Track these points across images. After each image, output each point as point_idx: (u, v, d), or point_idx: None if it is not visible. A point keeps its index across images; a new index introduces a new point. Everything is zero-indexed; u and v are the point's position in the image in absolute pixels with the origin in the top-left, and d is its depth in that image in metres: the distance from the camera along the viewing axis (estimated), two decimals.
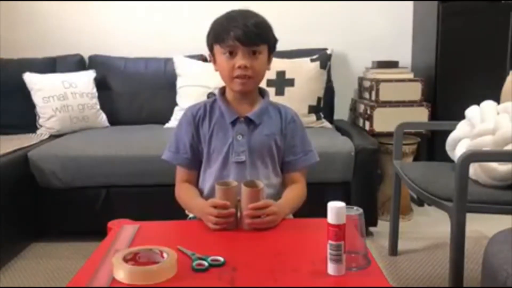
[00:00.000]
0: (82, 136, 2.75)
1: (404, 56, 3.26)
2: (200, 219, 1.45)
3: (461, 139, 2.05)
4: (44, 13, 3.28)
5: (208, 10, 3.14)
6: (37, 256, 2.36)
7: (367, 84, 3.00)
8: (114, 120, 3.03)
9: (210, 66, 1.49)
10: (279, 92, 2.79)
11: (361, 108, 3.00)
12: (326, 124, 2.91)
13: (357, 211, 1.06)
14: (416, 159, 2.84)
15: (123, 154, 2.42)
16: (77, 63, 3.14)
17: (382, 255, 2.32)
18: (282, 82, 2.81)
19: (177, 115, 2.83)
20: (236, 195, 1.28)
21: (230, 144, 1.41)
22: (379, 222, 2.54)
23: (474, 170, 1.84)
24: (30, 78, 2.88)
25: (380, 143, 2.62)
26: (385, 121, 2.77)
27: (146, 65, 3.13)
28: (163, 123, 2.92)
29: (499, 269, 1.13)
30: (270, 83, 2.76)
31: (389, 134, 2.51)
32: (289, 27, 3.13)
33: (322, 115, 2.91)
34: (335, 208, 0.99)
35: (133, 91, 3.07)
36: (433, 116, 2.85)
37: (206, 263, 1.05)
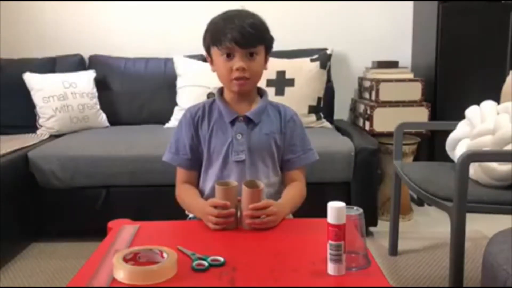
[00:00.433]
0: (82, 136, 2.75)
1: (404, 56, 3.26)
2: (200, 219, 1.45)
3: (461, 139, 2.05)
4: (44, 13, 3.28)
5: (208, 10, 3.11)
6: (37, 256, 2.36)
7: (367, 84, 3.00)
8: (114, 120, 3.03)
9: (209, 66, 1.49)
10: (279, 92, 2.79)
11: (361, 108, 3.00)
12: (326, 124, 2.91)
13: (357, 211, 1.06)
14: (416, 159, 2.84)
15: (123, 154, 2.42)
16: (77, 63, 3.14)
17: (382, 255, 2.32)
18: (282, 82, 2.81)
19: (177, 115, 2.83)
20: (236, 195, 1.28)
21: (229, 143, 1.41)
22: (379, 222, 2.54)
23: (474, 170, 1.84)
24: (30, 78, 2.88)
25: (380, 143, 2.62)
26: (385, 121, 2.77)
27: (146, 65, 3.13)
28: (163, 123, 2.92)
29: (499, 269, 1.13)
30: (270, 83, 2.76)
31: (389, 134, 2.51)
32: (289, 27, 3.14)
33: (322, 115, 2.91)
34: (335, 208, 0.99)
35: (133, 91, 3.07)
36: (433, 116, 2.85)
37: (206, 263, 1.05)
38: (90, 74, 3.01)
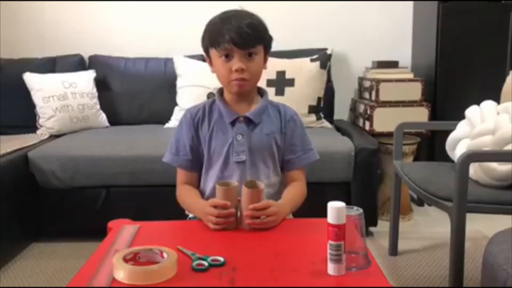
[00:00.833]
0: (82, 136, 2.75)
1: (404, 56, 3.26)
2: (201, 219, 1.45)
3: (461, 139, 2.05)
4: (44, 13, 3.28)
5: (207, 10, 3.11)
6: (37, 256, 2.36)
7: (367, 84, 3.00)
8: (114, 120, 3.03)
9: (209, 67, 1.49)
10: (279, 92, 2.79)
11: (361, 108, 3.00)
12: (326, 124, 2.91)
13: (357, 211, 1.06)
14: (416, 159, 2.84)
15: (123, 154, 2.42)
16: (77, 63, 3.14)
17: (382, 255, 2.32)
18: (282, 82, 2.81)
19: (177, 115, 2.83)
20: (236, 195, 1.28)
21: (230, 144, 1.41)
22: (379, 222, 2.54)
23: (474, 170, 1.84)
24: (30, 78, 2.88)
25: (380, 143, 2.62)
26: (385, 121, 2.77)
27: (146, 65, 3.13)
28: (163, 123, 2.92)
29: (499, 269, 1.13)
30: (270, 83, 2.76)
31: (389, 134, 2.51)
32: (289, 27, 3.14)
33: (322, 115, 2.91)
34: (335, 208, 0.99)
35: (133, 91, 3.07)
36: (433, 116, 2.85)
37: (206, 263, 1.05)
38: (90, 74, 3.01)
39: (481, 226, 2.47)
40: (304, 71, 2.85)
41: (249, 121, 1.42)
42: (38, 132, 2.84)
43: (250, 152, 1.41)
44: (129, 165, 2.40)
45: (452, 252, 1.71)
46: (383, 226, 2.51)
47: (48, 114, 2.82)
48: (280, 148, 1.45)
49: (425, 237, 2.54)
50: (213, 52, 1.39)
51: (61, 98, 2.83)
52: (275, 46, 1.46)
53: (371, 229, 2.54)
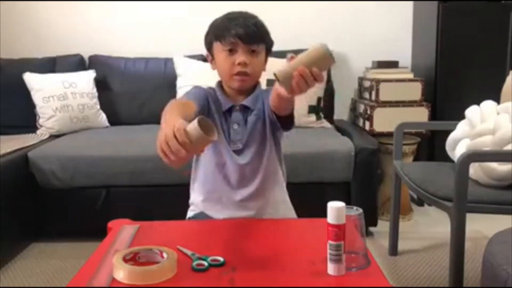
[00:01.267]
0: (82, 136, 2.75)
1: (404, 56, 3.26)
2: (200, 219, 1.45)
3: (461, 139, 2.05)
4: (44, 13, 3.28)
5: (208, 10, 3.14)
6: (37, 256, 2.36)
7: (367, 84, 3.00)
8: (114, 120, 3.04)
9: (210, 66, 1.49)
10: None
11: (361, 108, 3.00)
12: (326, 124, 2.92)
13: (357, 211, 1.06)
14: (416, 159, 2.84)
15: (123, 154, 2.42)
16: (77, 63, 3.14)
17: (382, 255, 2.32)
18: None
19: None
20: (204, 145, 1.08)
21: (226, 133, 1.41)
22: (379, 222, 2.54)
23: (474, 170, 1.84)
24: (30, 78, 2.88)
25: (380, 143, 2.62)
26: (385, 121, 2.77)
27: (146, 65, 3.13)
28: None
29: (499, 269, 1.13)
30: (270, 83, 2.75)
31: (389, 134, 2.51)
32: (289, 27, 3.14)
33: (322, 115, 2.91)
34: (335, 208, 0.99)
35: (133, 91, 3.07)
36: (433, 116, 2.85)
37: (206, 263, 1.05)
38: (90, 74, 3.01)
39: (481, 226, 2.47)
40: None
41: (244, 110, 1.42)
42: (38, 132, 2.84)
43: (246, 140, 1.40)
44: (129, 165, 2.40)
45: (452, 252, 1.71)
46: (383, 226, 2.51)
47: (48, 114, 2.82)
48: (267, 123, 1.42)
49: (425, 237, 2.54)
50: (217, 46, 1.39)
51: (61, 98, 2.83)
52: (275, 46, 1.46)
53: (371, 229, 2.54)
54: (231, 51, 1.36)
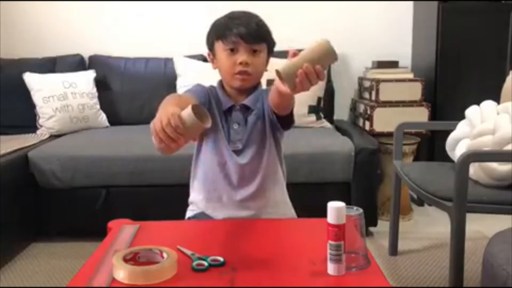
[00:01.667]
0: (82, 136, 2.75)
1: (404, 56, 3.26)
2: (199, 217, 1.45)
3: (461, 139, 2.05)
4: (44, 13, 3.28)
5: (208, 10, 3.14)
6: (37, 256, 2.36)
7: (367, 84, 3.00)
8: (114, 120, 3.04)
9: (210, 66, 1.49)
10: None
11: (361, 108, 3.00)
12: (326, 124, 2.92)
13: (357, 211, 1.06)
14: (416, 159, 2.84)
15: (123, 154, 2.42)
16: (77, 63, 3.14)
17: (382, 255, 2.32)
18: None
19: None
20: (197, 131, 1.11)
21: (226, 132, 1.41)
22: (379, 222, 2.54)
23: (474, 170, 1.84)
24: (30, 78, 2.88)
25: (380, 143, 2.62)
26: (385, 121, 2.77)
27: (146, 65, 3.13)
28: None
29: (499, 269, 1.14)
30: (270, 83, 2.75)
31: (389, 134, 2.51)
32: (289, 27, 3.13)
33: (322, 115, 2.91)
34: (335, 208, 0.99)
35: (133, 91, 3.07)
36: (433, 116, 2.85)
37: (206, 263, 1.05)
38: (90, 74, 3.01)
39: (481, 226, 2.47)
40: None
41: (245, 110, 1.42)
42: (38, 132, 2.84)
43: (246, 140, 1.40)
44: (129, 165, 2.40)
45: (452, 252, 1.71)
46: (383, 226, 2.51)
47: (48, 114, 2.82)
48: (267, 123, 1.42)
49: (425, 237, 2.54)
50: (218, 46, 1.39)
51: (61, 98, 2.83)
52: (275, 46, 1.46)
53: (371, 229, 2.54)
54: (233, 51, 1.36)
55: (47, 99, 2.82)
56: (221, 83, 1.47)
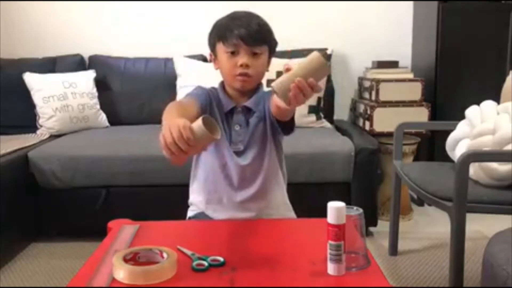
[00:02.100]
0: (82, 136, 2.75)
1: (404, 56, 3.26)
2: (200, 217, 1.45)
3: (461, 139, 2.05)
4: (44, 13, 3.28)
5: (208, 10, 3.14)
6: (37, 256, 2.36)
7: (367, 84, 3.00)
8: (114, 120, 3.04)
9: (210, 66, 1.49)
10: None
11: (361, 108, 3.00)
12: (326, 124, 2.92)
13: (357, 211, 1.06)
14: (416, 159, 2.84)
15: (123, 154, 2.42)
16: (77, 63, 3.14)
17: (382, 255, 2.32)
18: None
19: None
20: (207, 143, 1.12)
21: (227, 134, 1.41)
22: (379, 222, 2.54)
23: (474, 170, 1.84)
24: (30, 78, 2.88)
25: (380, 143, 2.62)
26: (385, 121, 2.77)
27: (146, 65, 3.13)
28: None
29: (499, 269, 1.14)
30: (270, 83, 2.75)
31: (389, 134, 2.51)
32: (289, 27, 3.14)
33: (322, 115, 2.91)
34: (335, 208, 0.99)
35: (133, 91, 3.07)
36: (433, 116, 2.85)
37: (206, 263, 1.05)
38: (90, 74, 3.01)
39: (481, 226, 2.47)
40: None
41: (246, 111, 1.42)
42: (38, 132, 2.84)
43: (248, 142, 1.40)
44: (129, 165, 2.40)
45: (452, 252, 1.71)
46: (383, 226, 2.51)
47: (48, 114, 2.82)
48: (268, 126, 1.42)
49: (425, 237, 2.54)
50: (219, 47, 1.39)
51: (61, 98, 2.83)
52: None
53: (371, 229, 2.54)
54: (234, 53, 1.36)
55: (47, 99, 2.82)
56: (222, 84, 1.47)
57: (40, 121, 2.85)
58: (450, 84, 2.91)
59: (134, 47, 3.24)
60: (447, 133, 2.14)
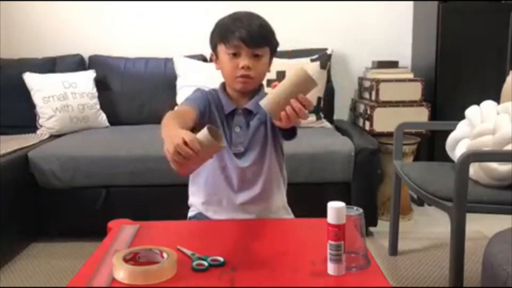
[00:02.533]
0: (82, 136, 2.75)
1: (404, 56, 3.26)
2: (200, 218, 1.45)
3: (461, 139, 2.05)
4: (44, 13, 3.28)
5: (208, 10, 3.14)
6: (37, 256, 2.36)
7: (367, 84, 3.00)
8: (114, 120, 3.04)
9: (210, 66, 1.49)
10: None
11: (361, 108, 3.00)
12: (326, 124, 2.92)
13: (357, 211, 1.06)
14: (416, 159, 2.84)
15: (123, 154, 2.42)
16: (77, 63, 3.14)
17: (382, 255, 2.32)
18: None
19: None
20: (213, 153, 1.15)
21: (227, 135, 1.41)
22: (379, 222, 2.54)
23: (474, 170, 1.84)
24: (30, 78, 2.88)
25: (380, 143, 2.62)
26: (385, 121, 2.77)
27: (146, 65, 3.13)
28: None
29: (499, 269, 1.14)
30: (270, 83, 2.75)
31: (389, 134, 2.51)
32: (289, 27, 3.13)
33: (322, 115, 2.91)
34: (335, 208, 0.99)
35: (133, 91, 3.07)
36: (433, 116, 2.85)
37: (206, 263, 1.05)
38: (90, 74, 3.01)
39: (481, 226, 2.47)
40: None
41: (247, 113, 1.42)
42: (38, 132, 2.84)
43: (248, 143, 1.40)
44: (129, 165, 2.40)
45: (452, 252, 1.71)
46: (383, 226, 2.51)
47: (48, 114, 2.82)
48: (268, 124, 1.41)
49: (425, 237, 2.54)
50: (221, 48, 1.39)
51: (61, 98, 2.83)
52: None
53: (371, 229, 2.54)
54: (235, 54, 1.36)
55: (47, 99, 2.82)
56: (223, 85, 1.46)
57: (40, 121, 2.85)
58: (450, 84, 2.91)
59: (134, 47, 3.24)
60: (447, 133, 2.14)
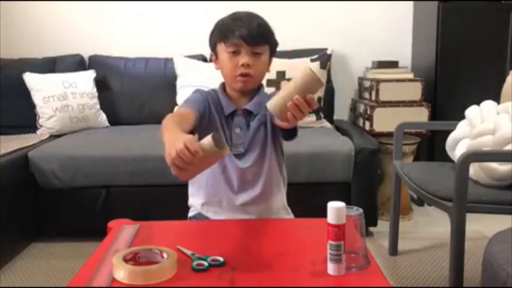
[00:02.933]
0: (82, 136, 2.75)
1: (404, 56, 3.26)
2: (200, 218, 1.45)
3: (461, 139, 2.05)
4: (44, 13, 3.28)
5: (208, 10, 3.14)
6: (37, 256, 2.36)
7: (367, 84, 3.00)
8: (114, 120, 3.04)
9: (210, 66, 1.49)
10: None
11: (361, 108, 3.00)
12: (326, 124, 2.92)
13: (357, 211, 1.06)
14: (416, 159, 2.84)
15: (123, 154, 2.42)
16: (77, 63, 3.14)
17: (382, 255, 2.32)
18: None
19: None
20: (215, 161, 1.16)
21: (228, 136, 1.41)
22: (379, 222, 2.54)
23: (474, 170, 1.84)
24: (30, 78, 2.88)
25: (380, 143, 2.62)
26: (385, 121, 2.77)
27: (146, 65, 3.13)
28: None
29: (499, 269, 1.14)
30: (270, 83, 2.76)
31: (389, 134, 2.51)
32: (289, 27, 3.14)
33: (322, 115, 2.91)
34: (335, 208, 0.99)
35: (133, 91, 3.07)
36: (433, 116, 2.85)
37: (206, 263, 1.05)
38: (90, 74, 3.01)
39: (481, 226, 2.47)
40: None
41: (247, 114, 1.42)
42: (38, 132, 2.84)
43: (248, 144, 1.41)
44: (129, 165, 2.40)
45: (452, 252, 1.71)
46: (383, 226, 2.51)
47: (48, 114, 2.82)
48: (268, 125, 1.42)
49: (425, 237, 2.54)
50: (221, 47, 1.39)
51: (61, 98, 2.83)
52: None
53: (371, 229, 2.54)
54: (235, 53, 1.36)
55: (47, 99, 2.82)
56: (223, 86, 1.46)
57: (40, 121, 2.85)
58: (450, 84, 2.91)
59: (134, 47, 3.24)
60: (447, 133, 2.14)
